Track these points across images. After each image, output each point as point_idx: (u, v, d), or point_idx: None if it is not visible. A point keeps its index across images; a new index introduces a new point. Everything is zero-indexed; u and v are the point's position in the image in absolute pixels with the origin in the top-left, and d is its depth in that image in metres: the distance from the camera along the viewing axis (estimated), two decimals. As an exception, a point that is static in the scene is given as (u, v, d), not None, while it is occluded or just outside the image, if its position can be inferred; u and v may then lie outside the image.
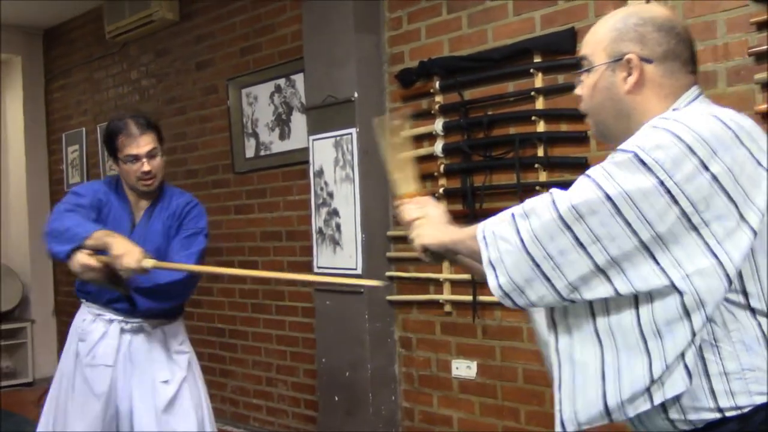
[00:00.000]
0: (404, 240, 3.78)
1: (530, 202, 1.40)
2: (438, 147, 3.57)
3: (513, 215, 1.41)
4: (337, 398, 3.93)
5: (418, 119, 3.72)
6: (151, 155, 2.70)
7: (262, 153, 4.65)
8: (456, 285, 3.60)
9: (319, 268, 4.02)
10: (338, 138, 3.88)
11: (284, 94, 4.47)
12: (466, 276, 3.49)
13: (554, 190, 1.39)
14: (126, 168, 2.69)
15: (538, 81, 3.22)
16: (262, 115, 4.62)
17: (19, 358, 6.66)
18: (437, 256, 1.72)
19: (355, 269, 3.82)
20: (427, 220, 1.72)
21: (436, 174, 3.59)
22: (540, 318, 1.62)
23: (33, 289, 6.68)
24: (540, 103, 3.22)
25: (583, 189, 1.34)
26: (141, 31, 5.40)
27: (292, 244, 4.48)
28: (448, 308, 3.63)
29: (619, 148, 1.38)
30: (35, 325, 6.66)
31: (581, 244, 1.33)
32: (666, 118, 1.38)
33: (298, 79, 4.34)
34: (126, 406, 2.71)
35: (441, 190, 3.57)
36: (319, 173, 3.99)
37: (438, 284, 3.66)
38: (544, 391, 3.25)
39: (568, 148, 3.15)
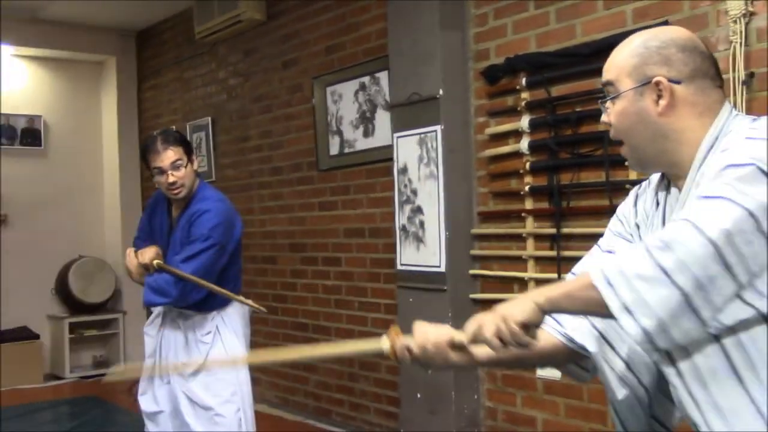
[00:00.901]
0: (488, 238, 3.77)
1: (663, 235, 1.28)
2: (524, 144, 3.53)
3: (648, 250, 1.28)
4: (419, 395, 3.93)
5: (504, 116, 3.68)
6: (175, 167, 3.00)
7: (347, 150, 4.69)
8: (541, 284, 3.54)
9: (402, 265, 4.03)
10: (423, 135, 3.87)
11: (368, 92, 4.50)
12: (552, 275, 3.44)
13: (688, 216, 1.28)
14: (156, 179, 3.05)
15: (629, 76, 3.14)
16: (346, 113, 4.67)
17: (112, 348, 6.94)
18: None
19: (439, 267, 3.81)
20: (508, 303, 1.48)
21: (521, 171, 3.55)
22: (609, 371, 1.56)
23: (125, 281, 6.92)
24: (631, 99, 3.14)
25: (724, 209, 1.25)
26: (229, 31, 5.53)
27: (375, 241, 4.51)
28: (532, 307, 3.58)
29: (728, 163, 1.30)
30: (127, 317, 6.91)
31: (728, 267, 1.25)
32: (755, 128, 1.35)
33: (383, 76, 4.36)
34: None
35: (527, 188, 3.53)
36: (403, 170, 4.00)
37: (523, 283, 3.62)
38: (632, 394, 3.17)
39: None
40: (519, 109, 3.57)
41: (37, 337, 6.54)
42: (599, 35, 3.26)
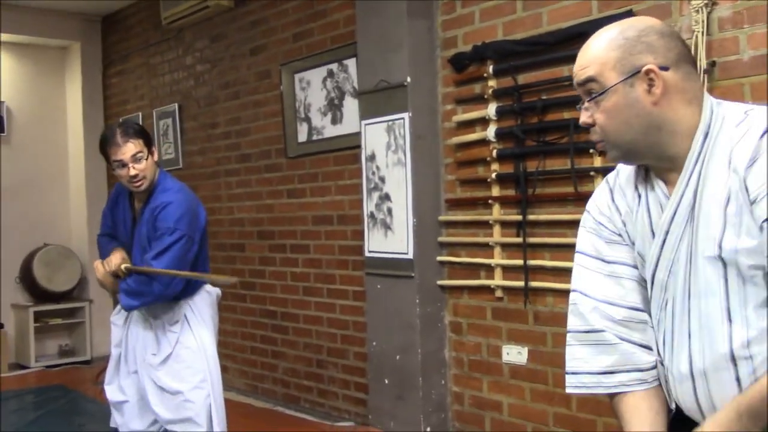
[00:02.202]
0: (455, 225, 3.80)
1: None
2: (491, 132, 3.55)
3: None
4: (387, 381, 3.96)
5: (471, 104, 3.71)
6: (136, 159, 2.95)
7: (315, 138, 4.68)
8: (507, 270, 3.59)
9: (370, 252, 4.04)
10: (390, 123, 3.88)
11: (336, 79, 4.49)
12: (518, 261, 3.48)
13: None
14: (117, 173, 2.99)
15: (594, 65, 3.17)
16: (314, 100, 4.66)
17: (78, 337, 6.86)
18: None
19: (407, 253, 3.83)
20: None
21: (488, 159, 3.58)
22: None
23: (91, 269, 6.83)
24: (596, 88, 3.17)
25: None
26: (196, 17, 5.48)
27: (343, 228, 4.52)
28: (499, 293, 3.62)
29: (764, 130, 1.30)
30: (93, 305, 6.84)
31: None
32: (752, 108, 1.37)
33: (351, 63, 4.36)
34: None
35: (493, 175, 3.56)
36: (371, 157, 4.01)
37: (489, 269, 3.65)
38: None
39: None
40: (486, 96, 3.59)
41: (1, 326, 6.45)
42: (566, 23, 3.29)
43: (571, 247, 2.08)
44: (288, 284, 4.97)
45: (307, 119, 4.73)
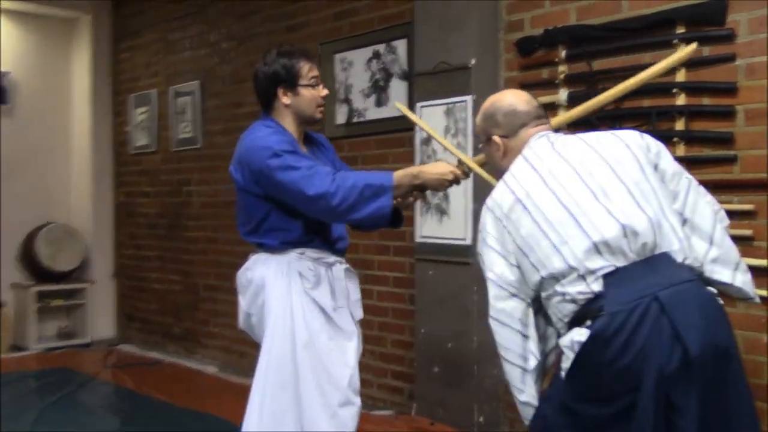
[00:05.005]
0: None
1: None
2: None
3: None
4: (436, 369, 3.88)
5: (538, 89, 3.64)
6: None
7: (355, 120, 4.57)
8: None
9: (422, 237, 3.96)
10: (451, 106, 3.80)
11: (384, 61, 4.39)
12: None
13: None
14: (307, 94, 2.63)
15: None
16: (356, 81, 4.54)
17: (78, 319, 6.65)
18: None
19: (464, 240, 3.76)
20: None
21: (557, 145, 3.52)
22: None
23: (94, 250, 6.65)
24: (681, 76, 3.13)
25: None
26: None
27: (385, 213, 4.41)
28: (561, 282, 3.57)
29: None
30: (94, 286, 6.64)
31: None
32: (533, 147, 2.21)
33: (400, 45, 4.26)
34: None
35: (562, 162, 3.51)
36: (427, 141, 3.92)
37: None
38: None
39: (710, 122, 3.07)
40: (557, 82, 3.53)
41: (2, 305, 6.22)
42: (648, 10, 3.24)
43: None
44: (319, 269, 4.84)
45: (347, 101, 4.62)
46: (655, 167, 2.03)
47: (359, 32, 4.52)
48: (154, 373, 5.55)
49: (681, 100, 3.13)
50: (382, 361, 4.45)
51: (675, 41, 3.13)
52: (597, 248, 1.86)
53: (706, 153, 3.07)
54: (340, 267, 2.70)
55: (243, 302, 2.70)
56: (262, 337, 2.60)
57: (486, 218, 2.08)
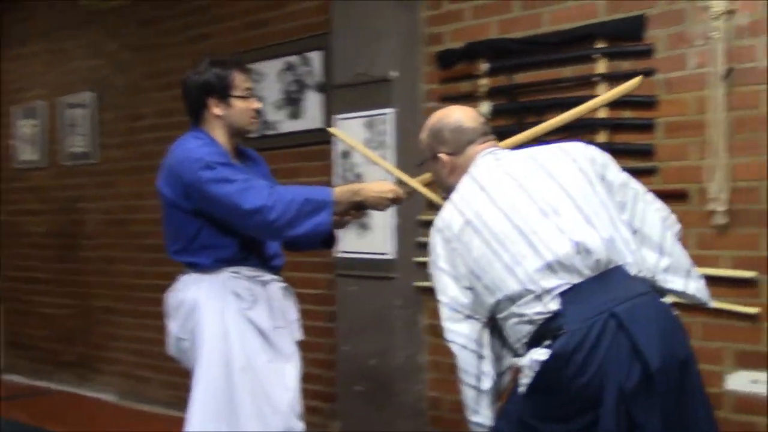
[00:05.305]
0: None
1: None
2: (484, 130, 3.50)
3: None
4: (359, 387, 3.79)
5: (458, 102, 3.62)
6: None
7: (268, 133, 4.44)
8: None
9: (342, 252, 3.87)
10: (371, 118, 3.75)
11: (297, 72, 4.29)
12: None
13: None
14: (241, 106, 2.55)
15: (601, 67, 3.20)
16: (267, 94, 4.41)
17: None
18: None
19: (386, 254, 3.70)
20: None
21: (479, 158, 3.53)
22: None
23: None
24: (602, 90, 3.20)
25: None
26: None
27: (300, 229, 4.30)
28: (485, 295, 3.56)
29: None
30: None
31: None
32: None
33: (315, 57, 4.18)
34: None
35: (485, 175, 3.51)
36: (345, 154, 3.85)
37: (475, 271, 3.59)
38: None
39: (631, 135, 3.15)
40: (478, 95, 3.54)
41: None
42: (568, 25, 3.30)
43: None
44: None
45: (259, 113, 4.47)
46: (602, 178, 2.03)
47: (271, 43, 4.41)
48: (47, 403, 5.19)
49: (603, 113, 3.19)
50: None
51: (595, 56, 3.21)
52: (551, 267, 1.84)
53: (628, 164, 3.14)
54: (277, 285, 2.58)
55: (173, 326, 2.53)
56: (195, 363, 2.43)
57: (436, 240, 2.04)
